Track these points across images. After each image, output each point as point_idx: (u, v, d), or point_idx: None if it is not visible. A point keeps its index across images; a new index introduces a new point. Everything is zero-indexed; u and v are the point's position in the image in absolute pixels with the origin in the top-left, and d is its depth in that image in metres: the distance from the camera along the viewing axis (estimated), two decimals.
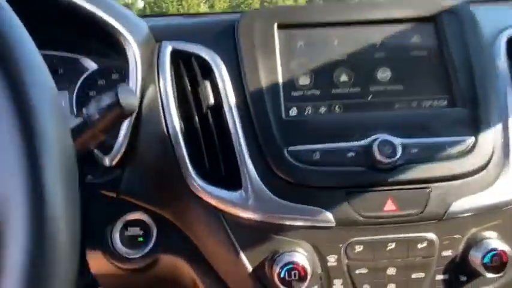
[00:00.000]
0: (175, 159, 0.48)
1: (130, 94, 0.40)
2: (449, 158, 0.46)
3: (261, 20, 0.51)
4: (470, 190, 0.45)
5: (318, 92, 0.50)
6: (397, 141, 0.45)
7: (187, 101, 0.51)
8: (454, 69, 0.49)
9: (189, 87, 0.52)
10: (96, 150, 0.53)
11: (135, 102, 0.42)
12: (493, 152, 0.46)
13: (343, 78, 0.50)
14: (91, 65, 0.65)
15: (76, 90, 0.65)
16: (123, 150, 0.49)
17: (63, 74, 0.67)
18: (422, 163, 0.45)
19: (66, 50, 0.65)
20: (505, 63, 0.51)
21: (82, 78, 0.65)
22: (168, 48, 0.52)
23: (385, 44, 0.51)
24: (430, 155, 0.45)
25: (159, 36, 0.55)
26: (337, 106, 0.49)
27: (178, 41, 0.53)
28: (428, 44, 0.51)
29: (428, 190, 0.45)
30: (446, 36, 0.50)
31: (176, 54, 0.52)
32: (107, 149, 0.51)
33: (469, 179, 0.46)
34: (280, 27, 0.51)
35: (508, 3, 0.73)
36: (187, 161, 0.47)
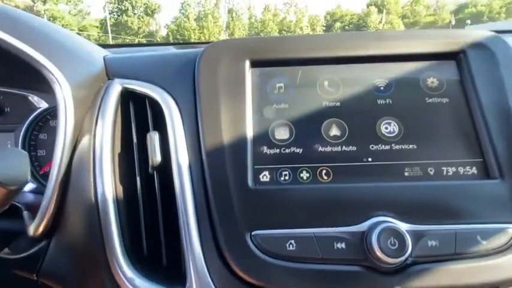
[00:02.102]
0: (101, 237, 0.36)
1: (15, 162, 0.29)
2: (482, 256, 0.32)
3: (229, 54, 0.40)
4: None
5: (299, 151, 0.37)
6: (406, 228, 0.32)
7: (131, 156, 0.39)
8: (485, 124, 0.36)
9: (135, 139, 0.40)
10: (26, 218, 0.42)
11: (19, 174, 0.31)
12: None
13: (334, 132, 0.37)
14: (41, 103, 0.55)
15: (23, 132, 0.55)
16: (47, 217, 0.38)
17: (11, 112, 0.58)
18: (442, 263, 0.31)
19: (13, 86, 0.55)
20: None
21: (30, 118, 0.55)
22: (116, 88, 0.41)
23: (391, 87, 0.39)
24: (454, 251, 0.32)
25: (114, 72, 0.44)
26: (324, 172, 0.36)
27: (132, 79, 0.42)
28: (450, 88, 0.38)
29: None
30: (473, 78, 0.38)
31: (128, 95, 0.42)
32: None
33: None
34: (254, 64, 0.40)
35: None
36: (116, 241, 0.35)
